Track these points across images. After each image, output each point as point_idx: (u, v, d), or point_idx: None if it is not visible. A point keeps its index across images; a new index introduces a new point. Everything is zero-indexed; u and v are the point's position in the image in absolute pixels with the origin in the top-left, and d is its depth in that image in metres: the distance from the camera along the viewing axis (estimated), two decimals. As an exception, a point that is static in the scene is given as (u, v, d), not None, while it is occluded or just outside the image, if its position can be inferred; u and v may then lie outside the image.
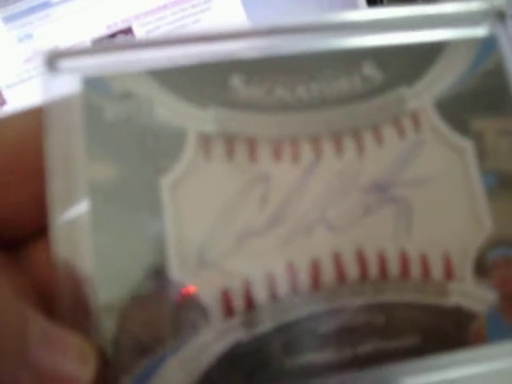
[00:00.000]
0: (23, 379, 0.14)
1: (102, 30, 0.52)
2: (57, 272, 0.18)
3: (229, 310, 0.18)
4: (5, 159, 0.18)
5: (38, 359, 0.15)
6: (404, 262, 0.19)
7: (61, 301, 0.17)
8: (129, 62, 0.20)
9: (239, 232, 0.18)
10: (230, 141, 0.19)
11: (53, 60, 0.19)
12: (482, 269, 0.19)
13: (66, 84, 0.19)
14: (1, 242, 0.19)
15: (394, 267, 0.19)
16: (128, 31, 0.52)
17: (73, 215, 0.18)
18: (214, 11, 0.51)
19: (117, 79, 0.19)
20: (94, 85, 0.19)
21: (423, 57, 0.20)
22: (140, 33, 0.51)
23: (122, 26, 0.52)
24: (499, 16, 0.21)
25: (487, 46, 0.21)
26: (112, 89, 0.19)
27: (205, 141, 0.19)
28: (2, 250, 0.19)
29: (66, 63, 0.20)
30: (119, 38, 0.20)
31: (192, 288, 0.18)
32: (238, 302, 0.18)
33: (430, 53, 0.20)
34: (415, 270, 0.19)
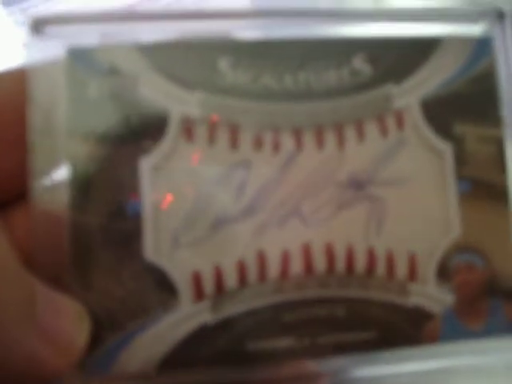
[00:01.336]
0: (32, 341, 0.16)
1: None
2: (35, 238, 0.18)
3: (199, 294, 0.19)
4: None
5: (44, 323, 0.16)
6: (371, 259, 0.19)
7: (39, 268, 0.18)
8: (117, 34, 0.19)
9: (215, 218, 0.19)
10: (212, 126, 0.19)
11: (39, 25, 0.19)
12: (444, 272, 0.20)
13: (51, 52, 0.19)
14: None
15: (360, 264, 0.19)
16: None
17: (52, 187, 0.18)
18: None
19: (103, 53, 0.19)
20: (79, 56, 0.19)
21: (415, 54, 0.20)
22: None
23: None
24: (498, 16, 0.20)
25: (482, 47, 0.20)
26: (98, 62, 0.19)
27: (188, 124, 0.19)
28: None
29: (52, 29, 0.19)
30: (110, 9, 0.19)
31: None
32: (208, 287, 0.19)
33: (423, 50, 0.20)
34: (380, 269, 0.19)
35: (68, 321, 0.17)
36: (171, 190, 0.19)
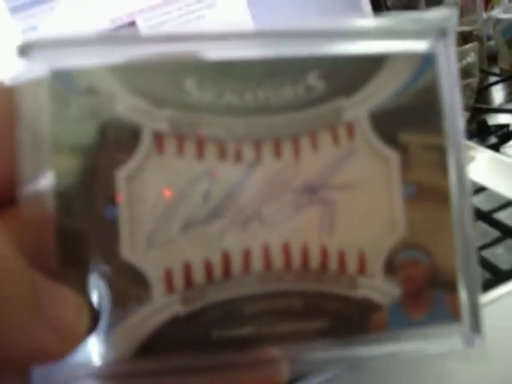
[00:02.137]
0: (39, 331, 0.18)
1: (106, 24, 0.52)
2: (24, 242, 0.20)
3: (170, 287, 0.21)
4: None
5: (49, 313, 0.18)
6: (324, 256, 0.21)
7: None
8: (97, 56, 0.21)
9: (184, 221, 0.21)
10: (180, 139, 0.21)
11: (26, 49, 0.21)
12: (391, 267, 0.22)
13: (37, 74, 0.21)
14: None
15: (314, 261, 0.21)
16: (132, 25, 0.52)
17: (39, 195, 0.21)
18: (218, 7, 0.51)
19: (83, 74, 0.21)
20: (61, 78, 0.21)
21: (365, 70, 0.22)
22: (144, 27, 0.51)
23: (126, 19, 0.52)
24: (440, 33, 0.22)
25: (426, 62, 0.22)
26: (78, 83, 0.21)
27: (158, 138, 0.21)
28: None
29: (38, 53, 0.21)
30: (91, 33, 0.22)
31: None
32: (179, 281, 0.21)
33: (372, 66, 0.22)
34: (333, 265, 0.22)
35: (70, 310, 0.19)
36: (144, 198, 0.21)
